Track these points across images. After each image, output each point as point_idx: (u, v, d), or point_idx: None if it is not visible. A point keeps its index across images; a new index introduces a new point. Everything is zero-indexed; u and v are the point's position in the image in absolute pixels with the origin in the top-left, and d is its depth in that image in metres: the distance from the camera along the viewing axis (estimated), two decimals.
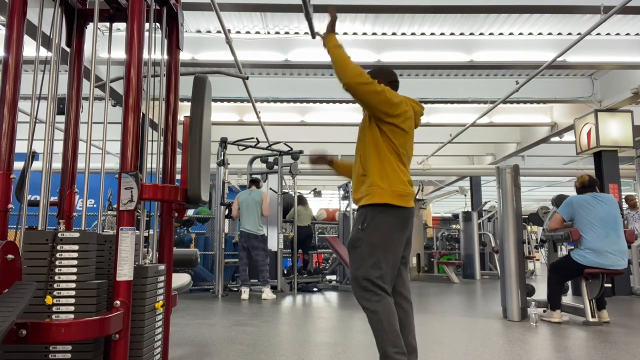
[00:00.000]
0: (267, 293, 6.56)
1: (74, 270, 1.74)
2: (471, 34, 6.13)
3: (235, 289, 7.67)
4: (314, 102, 7.96)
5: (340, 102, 7.77)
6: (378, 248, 2.24)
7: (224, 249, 7.10)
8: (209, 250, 7.98)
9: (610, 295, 6.75)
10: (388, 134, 2.31)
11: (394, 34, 6.13)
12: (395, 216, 2.28)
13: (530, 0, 4.94)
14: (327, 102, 7.95)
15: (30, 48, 3.27)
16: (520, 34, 6.12)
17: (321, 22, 5.81)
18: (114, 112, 7.57)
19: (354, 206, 11.43)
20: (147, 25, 2.13)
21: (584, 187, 4.75)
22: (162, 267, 2.13)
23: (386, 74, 2.53)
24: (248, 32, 6.11)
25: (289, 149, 7.87)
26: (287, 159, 7.86)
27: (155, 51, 2.33)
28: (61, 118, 2.36)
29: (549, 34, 6.12)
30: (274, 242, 7.33)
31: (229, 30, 5.61)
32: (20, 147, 2.31)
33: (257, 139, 7.62)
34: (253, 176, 7.64)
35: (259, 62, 6.24)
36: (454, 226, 14.92)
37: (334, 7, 2.67)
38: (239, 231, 9.09)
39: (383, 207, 2.26)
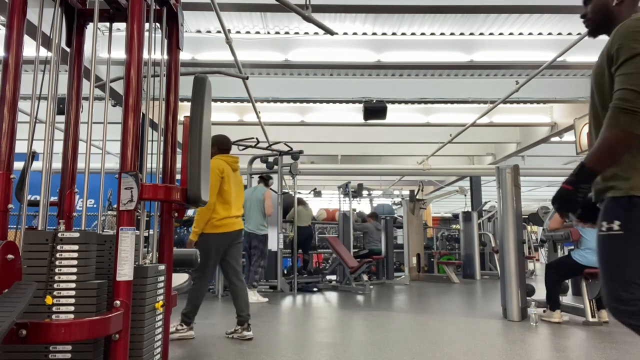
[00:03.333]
0: (250, 296, 6.07)
1: (74, 270, 1.74)
2: (471, 34, 6.13)
3: None
4: (314, 102, 7.96)
5: (340, 102, 7.76)
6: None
7: None
8: None
9: None
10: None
11: (394, 34, 6.13)
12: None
13: (530, 0, 4.94)
14: (327, 102, 7.95)
15: (30, 48, 3.26)
16: (520, 34, 6.12)
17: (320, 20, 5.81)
18: (114, 112, 7.57)
19: (354, 207, 11.40)
20: (147, 25, 2.13)
21: None
22: (162, 267, 2.13)
23: (219, 143, 4.02)
24: (248, 32, 6.11)
25: (289, 149, 7.87)
26: (287, 159, 7.86)
27: (155, 51, 2.33)
28: (61, 118, 2.36)
29: (549, 34, 6.12)
30: (274, 242, 7.32)
31: (229, 30, 5.61)
32: (20, 147, 2.31)
33: (257, 139, 7.61)
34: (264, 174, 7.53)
35: (259, 62, 6.24)
36: (454, 226, 14.91)
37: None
38: None
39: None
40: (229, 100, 7.80)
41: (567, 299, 5.18)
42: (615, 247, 1.59)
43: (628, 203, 1.57)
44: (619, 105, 1.51)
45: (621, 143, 1.51)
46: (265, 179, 6.98)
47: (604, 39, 5.65)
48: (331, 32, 4.21)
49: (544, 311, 4.67)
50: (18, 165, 1.71)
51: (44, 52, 2.08)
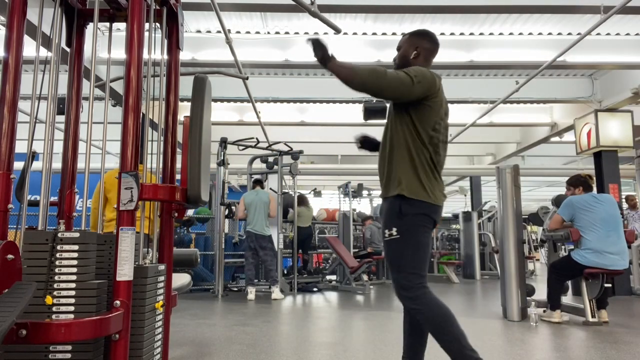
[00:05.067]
0: (277, 293, 6.57)
1: (74, 270, 1.74)
2: (471, 34, 6.13)
3: (236, 288, 7.67)
4: (314, 102, 7.96)
5: (340, 102, 7.76)
6: None
7: (224, 249, 7.10)
8: (209, 250, 7.98)
9: (611, 295, 6.75)
10: None
11: (394, 33, 6.13)
12: None
13: (530, 0, 4.94)
14: (327, 102, 7.95)
15: (30, 48, 3.27)
16: (520, 34, 6.12)
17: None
18: (114, 112, 7.57)
19: (354, 207, 11.40)
20: (147, 25, 2.13)
21: (589, 187, 4.71)
22: (162, 267, 2.13)
23: None
24: (248, 32, 6.11)
25: (289, 149, 7.87)
26: (287, 159, 7.86)
27: (155, 51, 2.33)
28: (61, 118, 2.36)
29: (549, 34, 6.12)
30: (274, 242, 7.33)
31: (229, 30, 5.61)
32: (20, 147, 2.31)
33: (257, 139, 7.61)
34: (256, 177, 7.63)
35: (259, 62, 6.24)
36: (454, 226, 14.91)
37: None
38: (239, 231, 9.10)
39: None
40: (229, 100, 7.80)
41: (567, 299, 5.19)
42: (397, 247, 2.12)
43: (399, 211, 2.11)
44: (363, 76, 2.03)
45: (350, 74, 2.03)
46: (260, 182, 7.14)
47: (603, 39, 5.63)
48: (337, 29, 4.13)
49: (544, 311, 4.67)
50: (18, 165, 1.71)
51: (44, 52, 2.08)
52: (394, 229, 2.12)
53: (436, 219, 2.20)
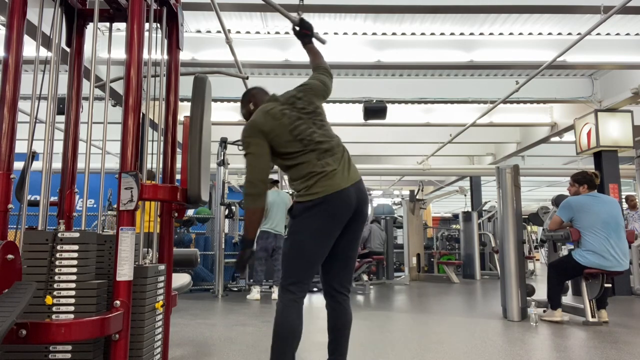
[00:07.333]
0: (277, 293, 6.57)
1: (74, 270, 1.74)
2: (471, 34, 6.13)
3: (236, 288, 7.66)
4: None
5: (340, 102, 7.76)
6: None
7: (224, 249, 7.09)
8: (209, 250, 7.97)
9: (611, 295, 6.75)
10: None
11: (394, 33, 6.13)
12: None
13: (530, 0, 4.94)
14: (327, 102, 7.93)
15: (30, 48, 3.26)
16: (520, 34, 6.12)
17: (320, 19, 5.83)
18: (114, 112, 7.56)
19: None
20: (147, 25, 2.13)
21: (594, 186, 4.66)
22: (162, 267, 2.13)
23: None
24: (248, 32, 6.10)
25: None
26: None
27: (155, 51, 2.33)
28: (61, 118, 2.36)
29: (549, 34, 6.12)
30: None
31: (229, 30, 5.61)
32: (20, 147, 2.31)
33: None
34: (271, 176, 7.66)
35: (259, 62, 6.23)
36: (454, 226, 14.91)
37: None
38: (239, 231, 9.09)
39: None
40: (229, 100, 7.80)
41: (567, 299, 5.18)
42: (285, 247, 2.27)
43: (291, 213, 2.23)
44: (243, 192, 2.19)
45: (252, 216, 2.16)
46: (277, 182, 7.30)
47: (603, 39, 5.65)
48: (322, 41, 4.12)
49: (544, 311, 4.67)
50: (18, 165, 1.71)
51: (44, 52, 2.08)
52: (286, 229, 2.26)
53: (335, 211, 2.16)
